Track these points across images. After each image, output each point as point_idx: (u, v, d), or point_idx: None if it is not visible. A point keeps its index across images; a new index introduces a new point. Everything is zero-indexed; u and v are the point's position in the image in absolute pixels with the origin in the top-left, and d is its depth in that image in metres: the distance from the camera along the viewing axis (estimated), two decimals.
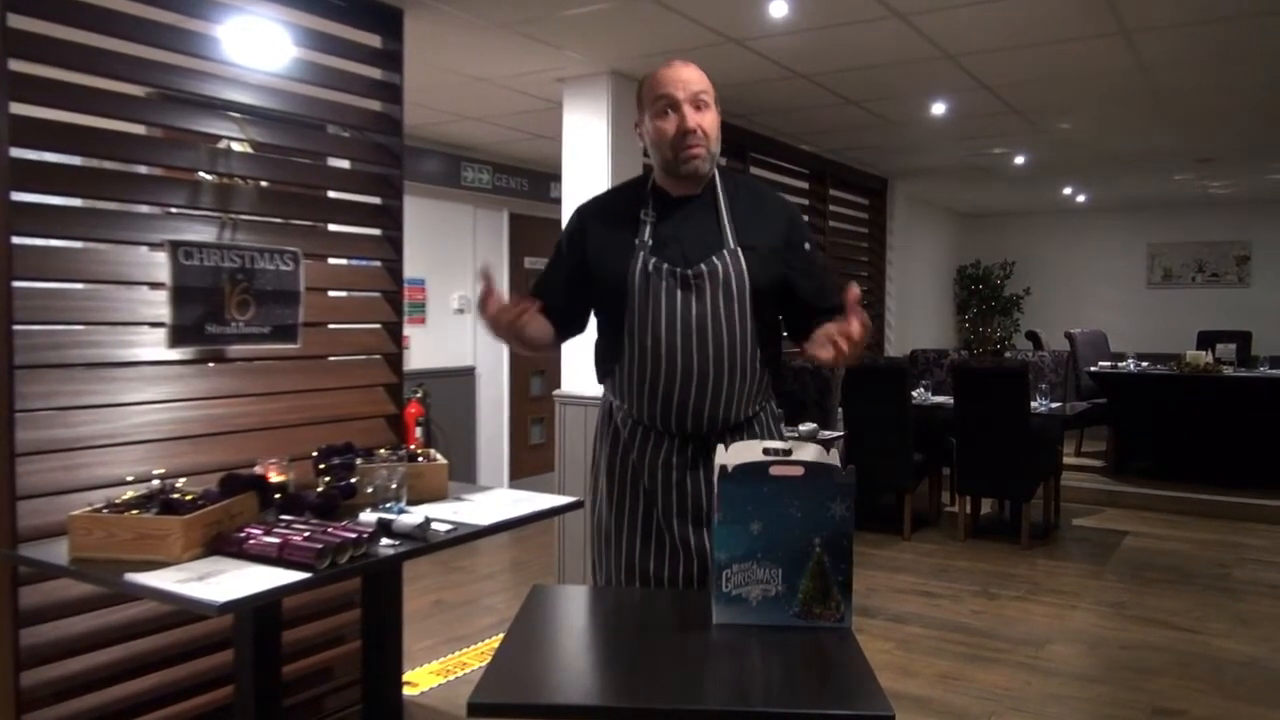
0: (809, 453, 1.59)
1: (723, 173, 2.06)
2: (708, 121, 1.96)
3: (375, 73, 3.28)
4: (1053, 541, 5.69)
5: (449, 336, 6.49)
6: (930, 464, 6.06)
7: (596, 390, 2.16)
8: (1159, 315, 10.39)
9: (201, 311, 2.63)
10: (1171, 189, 9.10)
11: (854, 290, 1.76)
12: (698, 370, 1.93)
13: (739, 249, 1.96)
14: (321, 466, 2.42)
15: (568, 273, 2.07)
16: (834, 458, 1.57)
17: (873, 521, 5.85)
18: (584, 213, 2.11)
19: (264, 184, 3.00)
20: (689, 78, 1.95)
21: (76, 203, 2.68)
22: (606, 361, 2.06)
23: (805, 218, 6.63)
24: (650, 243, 1.97)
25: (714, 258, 1.95)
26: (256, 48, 2.95)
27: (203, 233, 2.71)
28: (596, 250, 2.02)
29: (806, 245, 2.08)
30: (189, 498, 1.98)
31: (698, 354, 1.93)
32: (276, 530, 1.92)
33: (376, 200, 3.29)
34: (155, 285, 2.58)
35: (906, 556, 5.32)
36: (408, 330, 4.59)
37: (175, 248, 2.57)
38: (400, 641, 2.64)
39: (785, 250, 2.02)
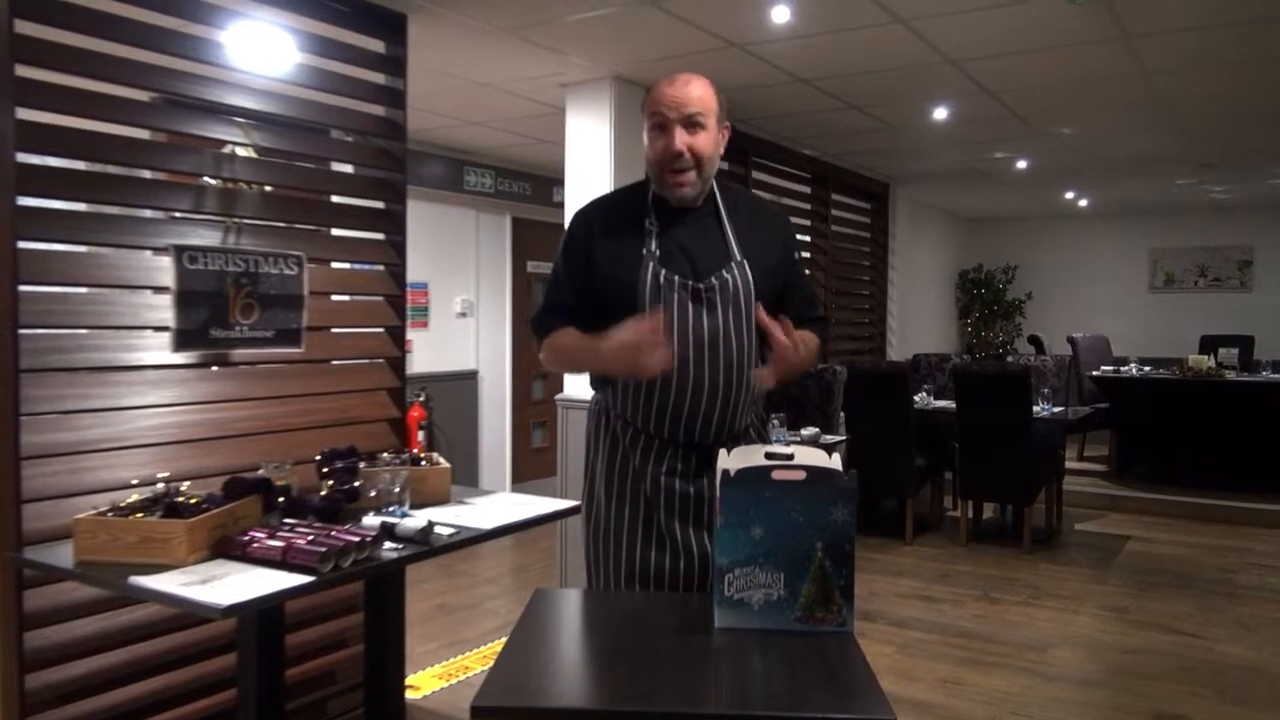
0: (810, 457, 1.60)
1: (720, 184, 2.04)
2: (701, 142, 1.91)
3: (379, 78, 3.29)
4: (1055, 546, 5.69)
5: (452, 340, 6.50)
6: (932, 468, 6.06)
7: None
8: (1161, 320, 10.38)
9: (205, 315, 2.64)
10: (1173, 193, 9.10)
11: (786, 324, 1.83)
12: (709, 383, 1.92)
13: (745, 261, 1.95)
14: (325, 470, 2.42)
15: (583, 280, 1.99)
16: (836, 462, 1.57)
17: (874, 526, 5.85)
18: (588, 217, 2.07)
19: (268, 188, 3.01)
20: (685, 97, 1.90)
21: (81, 207, 2.69)
22: None
23: (807, 222, 6.65)
24: (658, 253, 1.93)
25: (723, 271, 1.93)
26: (260, 53, 2.97)
27: (207, 237, 2.72)
28: (604, 258, 1.97)
29: (795, 255, 2.10)
30: (193, 501, 1.99)
31: (709, 367, 1.91)
32: (280, 534, 1.93)
33: (380, 205, 3.31)
34: (159, 289, 2.59)
35: (908, 561, 5.32)
36: (410, 334, 4.59)
37: (179, 252, 2.58)
38: (403, 645, 2.65)
39: (782, 264, 2.04)
